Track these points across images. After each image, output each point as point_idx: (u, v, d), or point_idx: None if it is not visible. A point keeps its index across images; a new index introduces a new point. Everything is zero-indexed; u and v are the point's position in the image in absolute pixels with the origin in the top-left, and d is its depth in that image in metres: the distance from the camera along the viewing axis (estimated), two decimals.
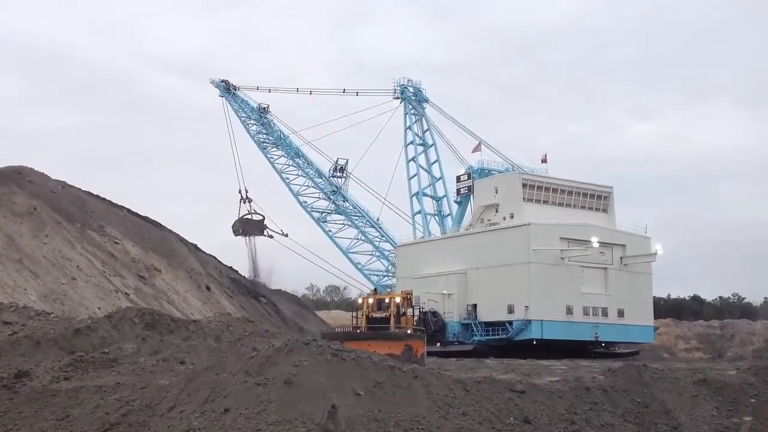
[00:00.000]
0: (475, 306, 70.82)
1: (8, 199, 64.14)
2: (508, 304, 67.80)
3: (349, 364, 15.86)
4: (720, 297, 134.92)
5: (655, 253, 70.51)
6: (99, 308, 53.28)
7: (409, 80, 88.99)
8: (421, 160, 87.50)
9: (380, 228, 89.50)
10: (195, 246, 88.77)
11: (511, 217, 73.27)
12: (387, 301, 43.31)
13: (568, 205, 75.32)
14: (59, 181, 78.49)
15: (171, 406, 15.79)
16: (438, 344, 66.99)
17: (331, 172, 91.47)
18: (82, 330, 27.57)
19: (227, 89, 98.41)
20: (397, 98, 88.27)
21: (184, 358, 22.95)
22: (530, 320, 66.10)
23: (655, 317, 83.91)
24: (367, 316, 42.03)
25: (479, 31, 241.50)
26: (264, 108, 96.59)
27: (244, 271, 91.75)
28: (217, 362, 17.68)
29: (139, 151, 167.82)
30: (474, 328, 69.58)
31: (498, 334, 67.52)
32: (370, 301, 43.69)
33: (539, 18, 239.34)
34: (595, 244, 67.73)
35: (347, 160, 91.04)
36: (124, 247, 72.35)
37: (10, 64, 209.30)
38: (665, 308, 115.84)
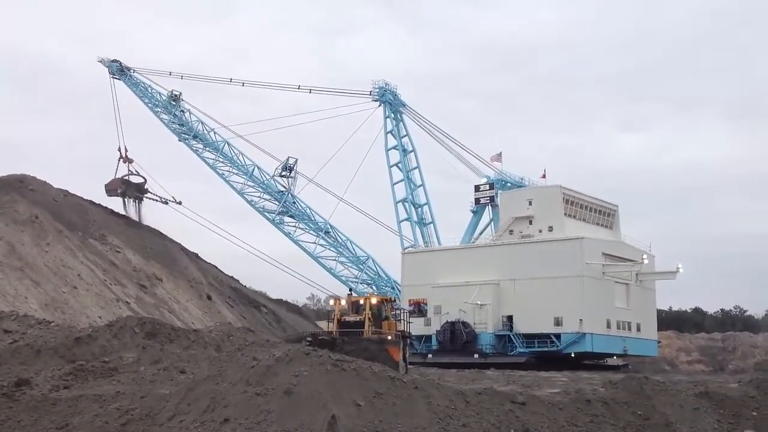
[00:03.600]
0: (510, 317, 69.85)
1: (10, 207, 64.21)
2: (555, 317, 67.11)
3: (349, 375, 15.83)
4: (722, 309, 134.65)
5: (676, 271, 70.53)
6: (100, 317, 53.23)
7: (386, 83, 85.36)
8: (402, 165, 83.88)
9: (327, 234, 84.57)
10: (196, 255, 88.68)
11: (550, 230, 72.85)
12: (363, 303, 39.94)
13: (584, 220, 75.55)
14: (61, 189, 78.62)
15: (171, 416, 15.76)
16: (475, 355, 66.05)
17: (279, 171, 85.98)
18: (83, 339, 27.56)
19: (121, 70, 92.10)
20: (376, 100, 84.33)
21: (185, 368, 22.91)
22: (584, 333, 65.85)
23: (657, 329, 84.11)
24: (338, 320, 39.09)
25: (463, 44, 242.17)
26: (176, 96, 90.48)
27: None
28: (217, 372, 17.66)
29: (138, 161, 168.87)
30: (514, 339, 68.73)
31: (546, 347, 66.94)
32: (342, 303, 40.43)
33: (523, 31, 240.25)
34: (646, 261, 69.13)
35: (296, 160, 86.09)
36: (126, 255, 72.35)
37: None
38: (667, 320, 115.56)
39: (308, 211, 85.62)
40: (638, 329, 73.02)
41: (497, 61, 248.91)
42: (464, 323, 69.15)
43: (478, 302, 68.59)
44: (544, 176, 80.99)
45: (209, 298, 78.36)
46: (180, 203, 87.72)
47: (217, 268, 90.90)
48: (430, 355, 68.63)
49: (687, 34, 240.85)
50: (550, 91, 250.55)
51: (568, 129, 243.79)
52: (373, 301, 40.49)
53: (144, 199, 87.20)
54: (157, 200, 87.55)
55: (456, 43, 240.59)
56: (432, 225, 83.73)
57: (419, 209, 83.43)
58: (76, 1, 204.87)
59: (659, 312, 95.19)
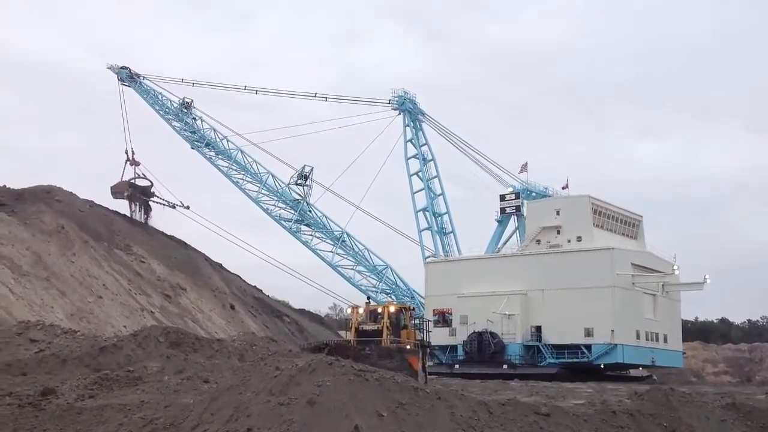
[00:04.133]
0: (539, 328, 69.39)
1: (37, 218, 65.02)
2: (585, 327, 66.62)
3: (372, 385, 15.79)
4: (749, 320, 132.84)
5: (704, 282, 69.94)
6: (124, 326, 53.68)
7: (405, 92, 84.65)
8: (422, 174, 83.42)
9: (343, 242, 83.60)
10: (219, 265, 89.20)
11: (578, 240, 72.49)
12: (381, 311, 39.33)
13: (611, 231, 75.13)
14: (87, 200, 79.59)
15: (194, 425, 15.81)
16: (504, 366, 65.64)
17: (294, 179, 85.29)
18: (108, 348, 27.79)
19: (130, 76, 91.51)
20: (395, 109, 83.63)
21: (208, 377, 23.02)
22: (616, 344, 65.38)
23: (683, 340, 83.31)
24: (356, 328, 38.42)
25: (478, 52, 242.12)
26: (188, 103, 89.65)
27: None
28: (240, 381, 17.70)
29: (157, 170, 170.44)
30: (543, 350, 68.26)
31: (576, 357, 66.50)
32: (360, 311, 39.73)
33: (538, 40, 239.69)
34: (677, 272, 69.61)
35: (312, 168, 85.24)
36: (150, 265, 72.95)
37: (12, 83, 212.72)
38: (693, 331, 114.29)
39: (324, 219, 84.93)
40: (665, 340, 72.50)
41: (511, 70, 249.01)
42: (492, 333, 68.55)
43: (506, 312, 68.03)
44: (566, 186, 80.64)
45: (232, 307, 78.73)
46: (188, 207, 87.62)
47: (240, 277, 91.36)
48: (457, 366, 68.26)
49: (703, 41, 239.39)
50: (565, 100, 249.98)
51: (585, 137, 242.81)
52: (392, 309, 39.88)
53: (150, 202, 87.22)
54: (164, 204, 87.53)
55: (470, 52, 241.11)
56: (452, 234, 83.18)
57: (439, 218, 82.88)
58: (94, 11, 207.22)
59: (685, 323, 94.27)
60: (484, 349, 68.44)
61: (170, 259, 78.23)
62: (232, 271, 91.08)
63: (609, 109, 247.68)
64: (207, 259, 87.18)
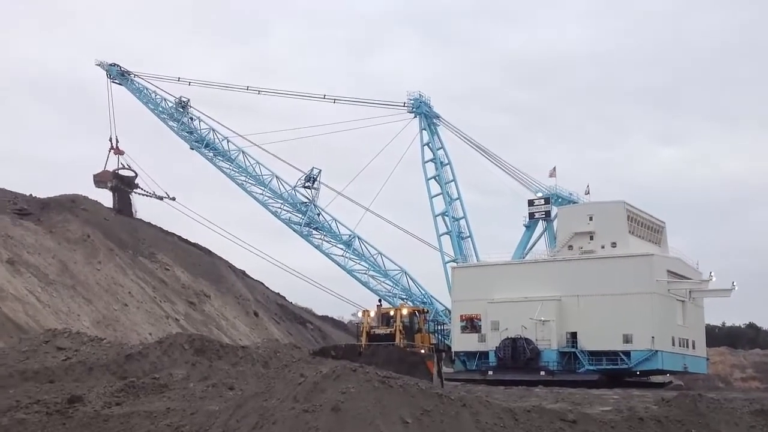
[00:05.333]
0: (574, 334, 68.87)
1: (63, 227, 65.79)
2: (623, 334, 66.09)
3: (396, 391, 15.77)
4: None
5: (732, 288, 69.28)
6: (150, 334, 54.08)
7: (421, 94, 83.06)
8: (439, 178, 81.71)
9: (350, 246, 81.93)
10: (243, 272, 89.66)
11: (613, 246, 72.02)
12: (393, 314, 38.31)
13: (640, 237, 74.68)
14: (112, 209, 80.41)
15: None
16: (541, 373, 65.16)
17: (302, 182, 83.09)
18: (134, 356, 27.98)
19: (121, 74, 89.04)
20: (411, 112, 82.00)
21: (233, 384, 23.09)
22: (657, 350, 64.98)
23: (710, 345, 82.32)
24: (368, 333, 37.56)
25: (492, 60, 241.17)
26: (184, 103, 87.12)
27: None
28: (265, 388, 17.74)
29: (182, 179, 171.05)
30: (580, 356, 67.78)
31: (615, 364, 66.08)
32: (372, 315, 38.91)
33: (553, 46, 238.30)
34: (714, 278, 69.86)
35: (320, 171, 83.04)
36: (175, 273, 73.51)
37: (38, 96, 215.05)
38: (720, 336, 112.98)
39: (332, 223, 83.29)
40: (693, 347, 71.93)
41: (527, 76, 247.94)
42: (527, 340, 67.89)
43: (542, 318, 67.48)
44: (588, 192, 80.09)
45: (256, 314, 79.06)
46: (173, 199, 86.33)
47: (263, 284, 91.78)
48: (490, 372, 67.73)
49: (722, 45, 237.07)
50: (582, 105, 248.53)
51: (603, 143, 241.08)
52: (404, 312, 38.89)
53: (133, 193, 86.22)
54: (149, 196, 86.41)
55: (485, 59, 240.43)
56: (470, 239, 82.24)
57: (455, 223, 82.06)
58: (106, 21, 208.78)
59: (711, 328, 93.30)
60: (519, 356, 67.72)
61: (194, 266, 78.77)
62: (256, 278, 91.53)
63: (628, 115, 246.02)
64: (230, 266, 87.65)
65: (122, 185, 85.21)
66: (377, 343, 35.63)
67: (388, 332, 36.58)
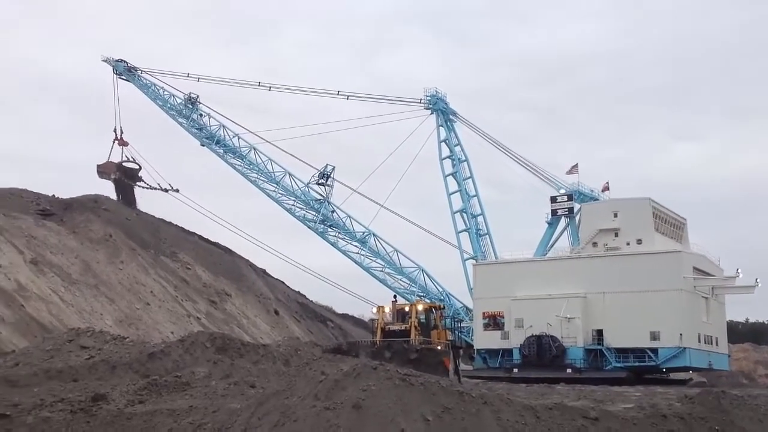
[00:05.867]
0: (600, 331, 68.49)
1: (85, 227, 66.44)
2: (651, 331, 65.73)
3: (417, 389, 15.77)
4: None
5: (755, 285, 68.68)
6: (172, 332, 54.46)
7: (437, 90, 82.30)
8: (457, 175, 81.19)
9: (364, 243, 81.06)
10: (263, 271, 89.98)
11: (638, 243, 71.61)
12: (408, 310, 37.19)
13: (663, 234, 74.21)
14: (133, 208, 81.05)
15: (242, 430, 15.96)
16: (568, 370, 64.92)
17: (316, 179, 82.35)
18: (156, 354, 28.16)
19: (128, 70, 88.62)
20: (428, 108, 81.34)
21: (255, 382, 23.19)
22: (685, 348, 64.63)
23: (733, 342, 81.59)
24: (382, 329, 36.46)
25: (506, 58, 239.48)
26: (193, 99, 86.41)
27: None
28: (286, 386, 17.82)
29: (197, 178, 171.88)
30: (607, 354, 67.47)
31: (642, 361, 65.78)
32: (386, 310, 37.72)
33: (567, 44, 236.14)
34: (741, 275, 69.32)
35: (334, 167, 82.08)
36: (196, 272, 73.96)
37: (50, 98, 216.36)
38: (743, 332, 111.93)
39: (346, 221, 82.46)
40: (716, 343, 71.41)
41: (540, 74, 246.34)
42: (552, 337, 67.52)
43: (568, 315, 67.12)
44: (606, 189, 79.51)
45: (277, 313, 79.36)
46: (177, 191, 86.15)
47: (284, 283, 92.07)
48: (515, 370, 67.48)
49: (735, 40, 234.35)
50: (596, 103, 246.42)
51: (618, 140, 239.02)
52: (420, 308, 37.89)
53: (136, 186, 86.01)
54: (152, 189, 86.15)
55: (498, 57, 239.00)
56: (488, 236, 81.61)
57: (473, 220, 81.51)
58: (118, 25, 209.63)
59: (735, 324, 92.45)
60: (544, 353, 67.40)
61: (215, 265, 79.20)
62: (276, 277, 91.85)
63: (641, 112, 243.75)
64: (251, 265, 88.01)
65: (125, 178, 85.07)
66: (391, 339, 34.91)
67: (403, 328, 35.65)
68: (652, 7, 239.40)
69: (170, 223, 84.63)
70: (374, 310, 39.29)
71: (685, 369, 67.78)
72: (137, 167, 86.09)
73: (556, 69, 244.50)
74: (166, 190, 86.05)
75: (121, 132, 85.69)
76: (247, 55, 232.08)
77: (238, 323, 69.11)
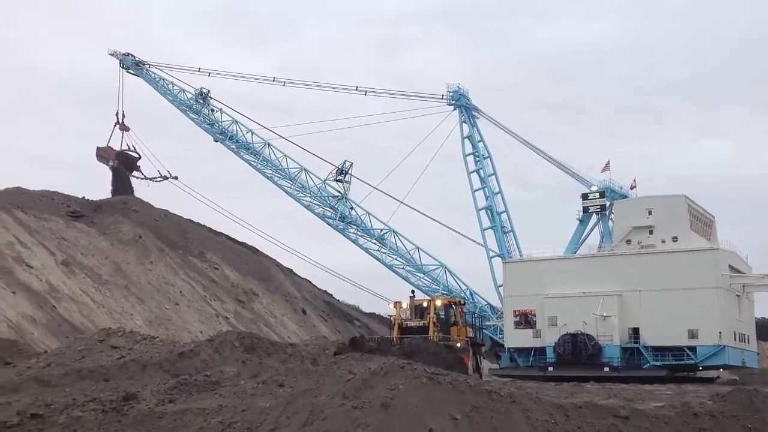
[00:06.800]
0: (636, 329, 68.12)
1: (115, 228, 67.22)
2: (689, 329, 65.31)
3: (444, 388, 15.75)
4: None
5: None
6: (201, 332, 54.91)
7: (459, 86, 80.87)
8: (481, 172, 79.52)
9: (382, 241, 79.33)
10: (290, 270, 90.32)
11: (674, 240, 71.06)
12: (426, 306, 35.92)
13: (695, 231, 73.56)
14: (162, 209, 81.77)
15: (271, 429, 16.04)
16: (606, 369, 64.62)
17: (334, 175, 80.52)
18: (186, 354, 28.45)
19: (136, 64, 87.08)
20: (451, 104, 79.82)
21: (283, 381, 23.32)
22: (724, 346, 64.17)
23: (764, 339, 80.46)
24: (399, 325, 35.29)
25: (523, 55, 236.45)
26: (204, 94, 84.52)
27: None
28: (314, 385, 17.89)
29: (229, 178, 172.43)
30: (644, 352, 67.11)
31: (680, 360, 65.36)
32: (404, 306, 36.49)
33: (587, 40, 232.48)
34: None
35: (351, 164, 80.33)
36: (224, 272, 74.47)
37: (77, 99, 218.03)
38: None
39: (365, 218, 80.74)
40: (748, 341, 70.63)
41: (560, 71, 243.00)
42: (588, 335, 67.13)
43: (604, 314, 66.67)
44: (634, 186, 78.78)
45: (304, 312, 79.62)
46: (176, 178, 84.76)
47: (310, 282, 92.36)
48: (550, 369, 67.14)
49: (756, 35, 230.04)
50: (617, 99, 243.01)
51: (641, 136, 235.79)
52: (439, 303, 36.69)
53: (133, 176, 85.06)
54: (149, 179, 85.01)
55: (517, 54, 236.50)
56: (512, 233, 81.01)
57: (496, 217, 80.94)
58: (139, 26, 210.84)
59: (765, 321, 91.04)
60: (580, 352, 66.98)
61: (243, 265, 79.66)
62: (303, 276, 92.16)
63: (665, 108, 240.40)
64: (278, 264, 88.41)
65: (124, 167, 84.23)
66: (409, 336, 33.87)
67: (422, 325, 34.62)
68: (673, 1, 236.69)
69: (198, 223, 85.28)
70: (391, 306, 38.34)
71: (723, 367, 67.07)
72: (137, 157, 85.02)
73: (576, 66, 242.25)
74: (165, 178, 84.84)
75: (123, 116, 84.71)
76: (264, 55, 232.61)
77: (266, 322, 69.48)
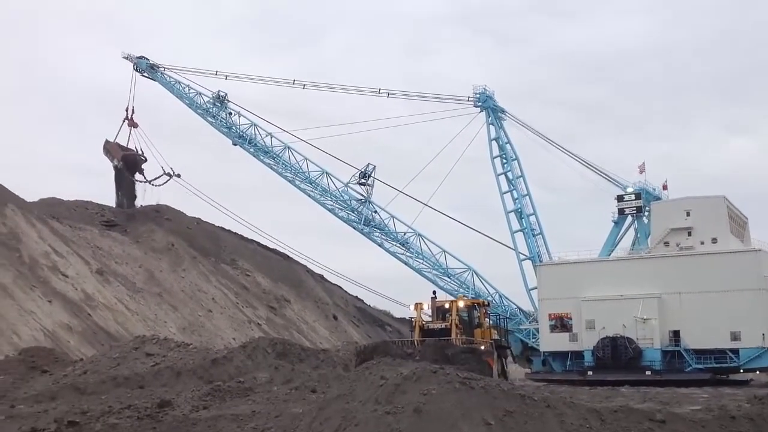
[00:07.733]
0: (677, 332, 67.47)
1: (148, 237, 67.99)
2: (731, 331, 64.59)
3: (477, 393, 15.67)
4: None
5: None
6: (233, 339, 55.28)
7: (486, 88, 79.48)
8: (510, 174, 79.93)
9: (406, 244, 77.61)
10: (321, 276, 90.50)
11: (714, 242, 70.31)
12: (449, 307, 34.81)
13: (731, 232, 72.66)
14: (194, 217, 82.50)
15: None
16: (647, 372, 64.09)
17: (357, 179, 79.29)
18: (219, 360, 28.63)
19: (151, 67, 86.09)
20: (477, 106, 78.33)
21: (315, 387, 23.35)
22: (767, 348, 63.48)
23: None
24: (421, 327, 34.48)
25: (548, 56, 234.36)
26: (222, 97, 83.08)
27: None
28: (347, 390, 17.90)
29: (257, 186, 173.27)
30: (685, 355, 66.47)
31: (723, 362, 64.62)
32: (425, 308, 35.51)
33: (612, 39, 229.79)
34: None
35: (375, 167, 78.90)
36: (255, 279, 74.92)
37: (106, 109, 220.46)
38: None
39: (389, 221, 79.02)
40: None
41: (585, 71, 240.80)
42: (628, 339, 66.47)
43: (644, 317, 66.00)
44: (666, 187, 77.93)
45: (335, 318, 79.79)
46: (179, 176, 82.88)
47: (341, 288, 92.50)
48: (590, 373, 66.58)
49: None
50: (644, 98, 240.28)
51: (668, 135, 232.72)
52: (461, 304, 35.73)
53: (134, 178, 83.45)
54: (149, 182, 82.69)
55: (542, 55, 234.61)
56: (541, 236, 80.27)
57: (526, 219, 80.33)
58: (163, 34, 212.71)
59: None
60: (620, 355, 66.24)
61: (274, 271, 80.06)
62: (333, 282, 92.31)
63: (693, 106, 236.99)
64: (309, 270, 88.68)
65: (127, 170, 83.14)
66: (429, 338, 32.79)
67: (444, 327, 33.58)
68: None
69: (229, 231, 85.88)
70: (411, 307, 37.48)
71: (767, 370, 66.04)
72: (143, 160, 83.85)
73: (602, 65, 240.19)
74: (169, 176, 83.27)
75: (133, 112, 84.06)
76: (286, 60, 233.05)
77: (298, 328, 69.74)
